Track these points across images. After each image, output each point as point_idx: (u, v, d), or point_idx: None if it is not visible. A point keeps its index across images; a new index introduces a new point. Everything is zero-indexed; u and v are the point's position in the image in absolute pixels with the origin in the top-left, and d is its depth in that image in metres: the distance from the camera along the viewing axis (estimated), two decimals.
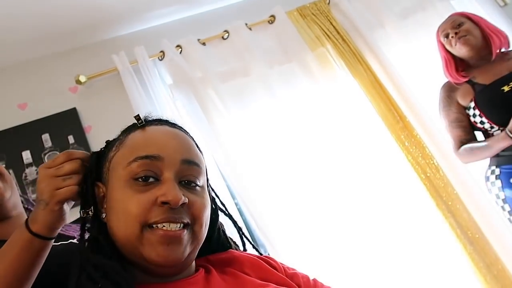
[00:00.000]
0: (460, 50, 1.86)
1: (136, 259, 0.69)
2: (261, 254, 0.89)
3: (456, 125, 1.86)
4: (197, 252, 0.75)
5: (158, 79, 2.16)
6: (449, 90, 1.92)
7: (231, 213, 0.92)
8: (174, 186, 0.69)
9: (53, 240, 0.74)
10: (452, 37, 1.87)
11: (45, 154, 2.02)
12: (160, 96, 2.09)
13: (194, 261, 0.78)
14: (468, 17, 1.92)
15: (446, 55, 1.95)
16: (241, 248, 0.92)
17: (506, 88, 1.73)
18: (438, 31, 1.99)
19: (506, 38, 1.88)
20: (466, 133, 1.84)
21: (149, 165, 0.70)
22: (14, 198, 1.03)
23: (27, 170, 1.97)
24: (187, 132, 0.81)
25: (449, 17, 1.98)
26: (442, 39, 1.95)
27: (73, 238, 1.04)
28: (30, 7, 1.90)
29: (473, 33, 1.85)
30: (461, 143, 1.84)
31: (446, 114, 1.91)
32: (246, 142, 2.07)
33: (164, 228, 0.67)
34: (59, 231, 0.74)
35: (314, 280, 0.85)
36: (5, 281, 0.68)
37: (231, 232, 0.94)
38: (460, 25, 1.88)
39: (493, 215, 1.96)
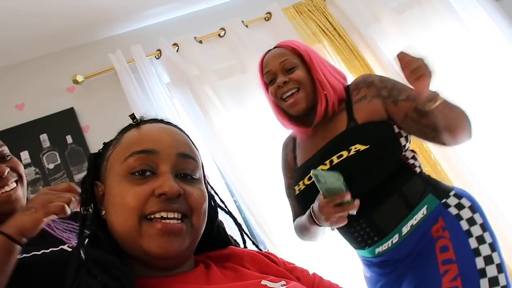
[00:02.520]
0: (288, 109, 1.39)
1: (136, 252, 0.70)
2: (261, 250, 0.90)
3: (289, 193, 1.49)
4: (196, 244, 0.75)
5: (155, 78, 2.16)
6: (285, 146, 1.56)
7: (230, 210, 0.92)
8: (170, 177, 0.70)
9: (20, 248, 0.83)
10: (279, 87, 1.36)
11: (43, 154, 2.02)
12: (158, 95, 2.09)
13: (193, 256, 0.78)
14: (302, 56, 1.38)
15: (270, 101, 1.48)
16: (242, 245, 0.93)
17: (301, 185, 1.34)
18: (261, 62, 1.45)
19: (341, 89, 1.38)
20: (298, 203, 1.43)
21: (145, 159, 0.71)
22: (24, 199, 1.08)
23: (25, 171, 1.95)
24: (182, 129, 0.82)
25: (276, 47, 1.44)
26: (265, 78, 1.43)
27: (62, 241, 1.04)
28: (27, 7, 1.89)
29: (306, 85, 1.35)
30: (295, 215, 1.45)
31: (283, 177, 1.53)
32: (244, 139, 2.07)
33: (162, 220, 0.68)
34: (25, 240, 0.83)
35: (314, 274, 0.86)
36: None
37: (231, 230, 0.94)
38: (290, 70, 1.36)
39: (492, 207, 1.97)
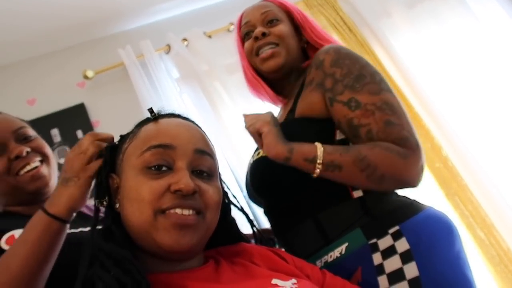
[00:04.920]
0: (261, 65, 1.14)
1: (148, 245, 0.70)
2: (271, 247, 0.90)
3: None
4: (207, 240, 0.76)
5: (165, 73, 2.16)
6: None
7: (243, 207, 0.92)
8: (186, 174, 0.70)
9: (68, 225, 0.77)
10: (256, 38, 1.13)
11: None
12: (167, 90, 2.10)
13: (203, 252, 0.79)
14: (287, 8, 1.17)
15: (244, 62, 1.22)
16: (252, 241, 0.93)
17: (256, 156, 1.09)
18: (240, 16, 1.24)
19: None
20: None
21: (162, 154, 0.72)
22: (54, 179, 1.08)
23: None
24: (198, 125, 0.82)
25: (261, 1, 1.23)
26: (242, 30, 1.20)
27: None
28: (37, 4, 1.90)
29: (288, 41, 1.11)
30: None
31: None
32: None
33: (177, 212, 0.68)
34: (74, 215, 0.77)
35: (324, 270, 0.85)
36: (26, 264, 0.70)
37: (241, 226, 0.94)
38: (271, 22, 1.13)
39: (503, 204, 1.95)
